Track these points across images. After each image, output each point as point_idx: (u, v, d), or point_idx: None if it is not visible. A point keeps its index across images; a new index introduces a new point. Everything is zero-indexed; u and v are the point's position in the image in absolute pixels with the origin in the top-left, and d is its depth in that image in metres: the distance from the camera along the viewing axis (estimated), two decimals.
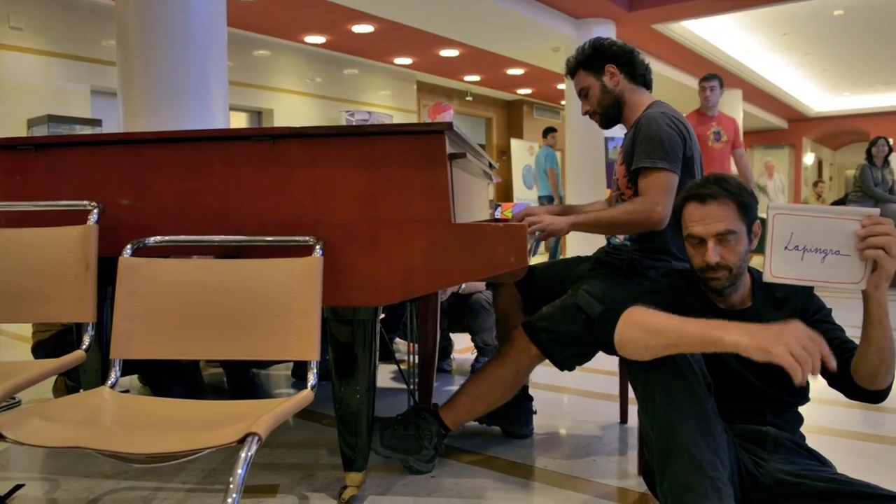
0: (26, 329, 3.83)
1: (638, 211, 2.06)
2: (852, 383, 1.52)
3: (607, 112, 2.31)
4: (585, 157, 8.64)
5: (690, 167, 2.12)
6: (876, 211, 1.39)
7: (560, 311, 2.09)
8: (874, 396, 1.53)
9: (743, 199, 1.59)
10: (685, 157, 2.10)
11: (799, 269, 1.40)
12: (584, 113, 2.37)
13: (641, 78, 2.30)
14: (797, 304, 1.64)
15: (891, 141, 7.03)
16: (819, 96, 16.08)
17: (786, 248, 1.40)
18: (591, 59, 2.29)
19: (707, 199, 1.58)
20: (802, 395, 1.65)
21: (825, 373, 1.62)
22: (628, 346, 1.48)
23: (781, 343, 1.25)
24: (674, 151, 2.06)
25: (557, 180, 8.80)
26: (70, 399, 1.67)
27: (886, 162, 6.88)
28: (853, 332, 1.65)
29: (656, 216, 2.04)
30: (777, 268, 1.40)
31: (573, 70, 2.36)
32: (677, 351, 1.41)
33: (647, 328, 1.45)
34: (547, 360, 2.13)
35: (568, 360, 2.09)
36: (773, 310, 1.63)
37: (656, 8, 8.11)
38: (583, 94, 2.34)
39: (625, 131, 2.33)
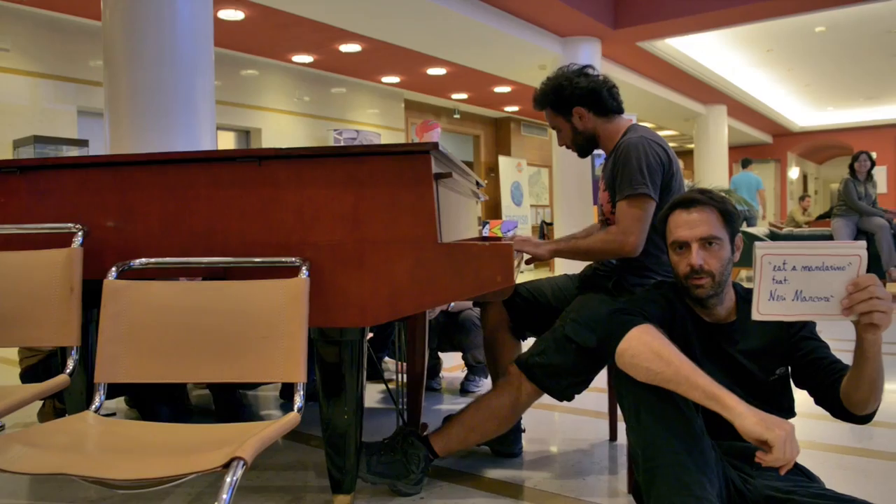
0: (10, 352, 3.79)
1: (611, 241, 2.11)
2: (840, 406, 1.54)
3: (582, 148, 2.35)
4: (573, 174, 8.69)
5: (671, 190, 2.14)
6: (861, 244, 1.37)
7: (550, 344, 2.09)
8: (860, 419, 1.54)
9: (725, 207, 1.65)
10: (665, 181, 2.11)
11: (788, 307, 1.39)
12: (560, 145, 2.39)
13: (613, 109, 2.28)
14: None
15: (873, 155, 7.11)
16: (803, 111, 16.27)
17: (773, 289, 1.39)
18: (556, 103, 2.29)
19: (691, 205, 1.64)
20: (788, 409, 1.66)
21: (813, 391, 1.63)
22: (630, 359, 1.47)
23: (781, 430, 1.29)
24: (653, 176, 2.08)
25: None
26: (53, 424, 1.65)
27: (870, 176, 6.96)
28: (838, 346, 1.66)
29: (629, 245, 2.08)
30: (764, 306, 1.39)
31: (541, 108, 2.35)
32: (673, 388, 1.41)
33: (658, 354, 1.44)
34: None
35: (566, 390, 2.09)
36: (757, 323, 1.64)
37: (641, 26, 8.20)
38: (556, 129, 2.36)
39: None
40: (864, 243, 1.38)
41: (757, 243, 1.43)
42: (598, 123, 2.27)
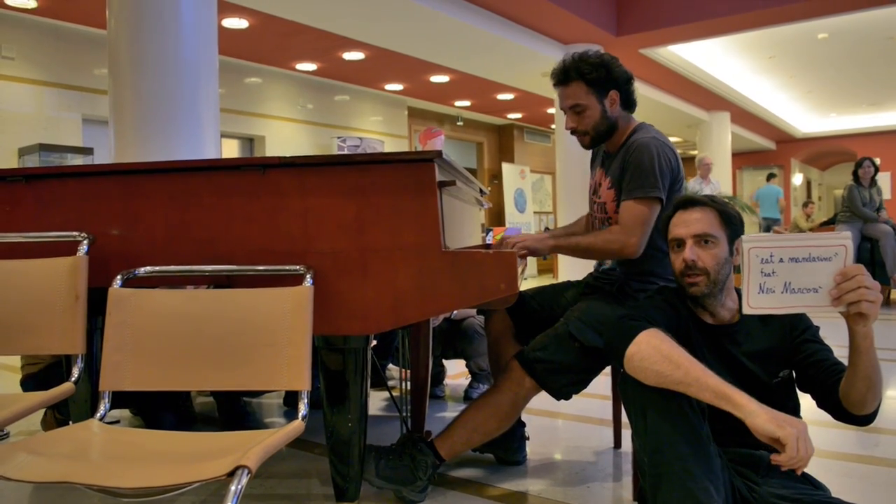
0: (14, 360, 3.79)
1: (613, 241, 2.09)
2: (840, 407, 1.53)
3: (600, 136, 2.23)
4: (576, 181, 8.68)
5: (676, 192, 2.14)
6: (846, 235, 1.40)
7: (553, 340, 2.09)
8: (862, 420, 1.54)
9: (725, 209, 1.68)
10: (672, 183, 2.11)
11: (778, 299, 1.40)
12: (569, 127, 2.25)
13: (633, 105, 2.28)
14: (785, 321, 1.65)
15: (877, 161, 7.10)
16: (806, 118, 16.26)
17: (762, 282, 1.40)
18: (599, 79, 2.17)
19: (690, 205, 1.68)
20: (793, 412, 1.66)
21: (815, 393, 1.63)
22: (639, 362, 1.47)
23: (793, 427, 1.29)
24: (664, 179, 2.08)
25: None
26: (58, 432, 1.65)
27: (874, 181, 6.95)
28: (840, 352, 1.66)
29: (630, 248, 2.07)
30: (755, 299, 1.40)
31: (570, 80, 2.20)
32: (683, 391, 1.41)
33: (668, 357, 1.44)
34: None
35: (564, 388, 2.09)
36: (760, 326, 1.65)
37: (643, 33, 8.21)
38: (575, 109, 2.20)
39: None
40: (849, 234, 1.41)
41: (743, 237, 1.45)
42: (620, 115, 2.23)
